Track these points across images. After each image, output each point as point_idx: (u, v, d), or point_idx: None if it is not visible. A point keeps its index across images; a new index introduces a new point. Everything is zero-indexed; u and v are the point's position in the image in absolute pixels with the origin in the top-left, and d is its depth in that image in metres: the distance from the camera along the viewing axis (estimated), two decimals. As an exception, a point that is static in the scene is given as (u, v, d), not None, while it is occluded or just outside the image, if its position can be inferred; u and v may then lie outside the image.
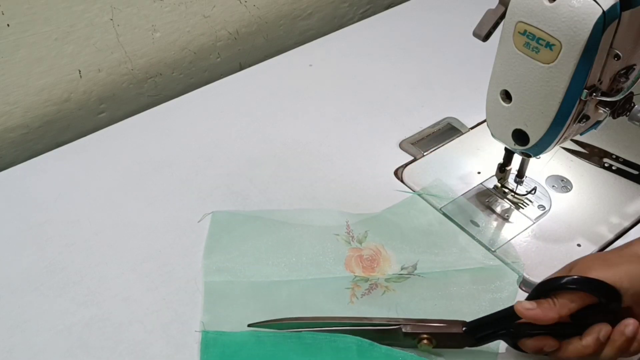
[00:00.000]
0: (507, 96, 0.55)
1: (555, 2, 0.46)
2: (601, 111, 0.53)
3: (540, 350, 0.50)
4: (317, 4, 0.98)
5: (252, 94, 0.83)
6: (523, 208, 0.65)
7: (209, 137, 0.76)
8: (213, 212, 0.65)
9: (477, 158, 0.72)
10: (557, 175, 0.69)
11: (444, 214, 0.65)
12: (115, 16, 0.77)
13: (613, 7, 0.45)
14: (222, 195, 0.68)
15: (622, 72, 0.51)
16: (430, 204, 0.66)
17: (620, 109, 0.53)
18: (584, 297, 0.47)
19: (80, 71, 0.79)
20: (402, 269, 0.60)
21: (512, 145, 0.58)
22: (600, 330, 0.47)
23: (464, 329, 0.52)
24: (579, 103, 0.51)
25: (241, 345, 0.54)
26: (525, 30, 0.49)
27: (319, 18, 1.00)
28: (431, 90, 0.82)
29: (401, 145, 0.74)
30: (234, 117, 0.79)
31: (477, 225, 0.64)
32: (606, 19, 0.45)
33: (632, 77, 0.51)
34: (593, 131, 0.57)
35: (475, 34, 0.54)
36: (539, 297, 0.49)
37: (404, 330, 0.52)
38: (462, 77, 0.84)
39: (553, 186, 0.68)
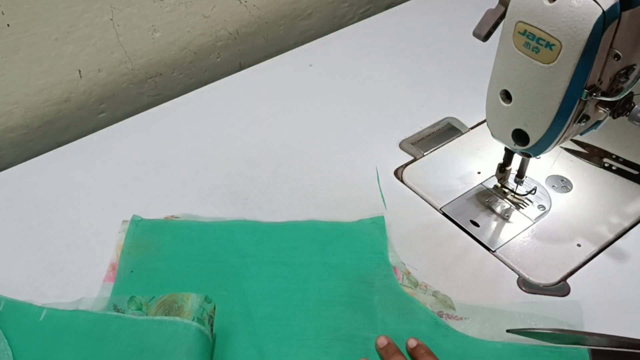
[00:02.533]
0: (507, 96, 0.55)
1: (555, 2, 0.46)
2: (601, 111, 0.53)
3: None
4: (317, 4, 0.98)
5: (252, 94, 0.83)
6: (523, 208, 0.65)
7: (209, 137, 0.76)
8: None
9: (477, 158, 0.72)
10: (557, 175, 0.69)
11: (444, 214, 0.65)
12: (115, 16, 0.77)
13: (613, 7, 0.45)
14: (222, 195, 0.68)
15: (622, 72, 0.51)
16: (430, 204, 0.66)
17: (620, 109, 0.53)
18: None
19: (80, 71, 0.79)
20: None
21: (512, 145, 0.58)
22: None
23: None
24: (579, 103, 0.51)
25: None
26: (525, 30, 0.49)
27: (319, 18, 1.00)
28: (431, 90, 0.82)
29: (401, 145, 0.74)
30: (234, 117, 0.79)
31: (477, 225, 0.64)
32: (606, 19, 0.45)
33: (632, 77, 0.51)
34: (593, 131, 0.57)
35: (475, 34, 0.54)
36: None
37: None
38: (462, 77, 0.84)
39: (553, 186, 0.68)
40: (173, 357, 0.49)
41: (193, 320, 0.51)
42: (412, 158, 0.72)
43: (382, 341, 0.54)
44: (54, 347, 0.53)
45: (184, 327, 0.51)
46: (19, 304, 0.57)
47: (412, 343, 0.54)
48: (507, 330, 0.54)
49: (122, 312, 0.55)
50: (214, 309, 0.53)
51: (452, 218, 0.65)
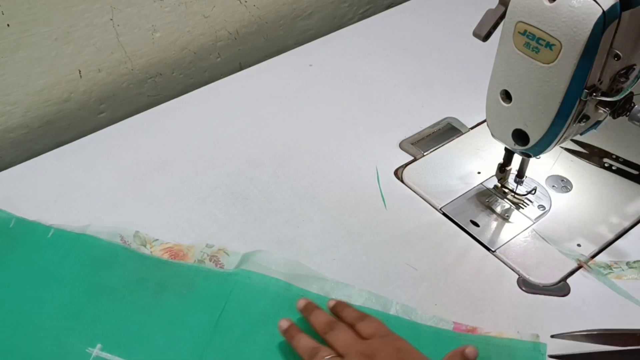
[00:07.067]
0: (507, 96, 0.55)
1: (555, 2, 0.46)
2: (601, 111, 0.53)
3: None
4: (317, 4, 0.98)
5: (252, 94, 0.83)
6: (523, 208, 0.65)
7: (209, 137, 0.76)
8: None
9: (477, 158, 0.72)
10: (557, 175, 0.69)
11: (444, 214, 0.65)
12: (115, 16, 0.77)
13: (613, 7, 0.45)
14: (222, 195, 0.68)
15: (622, 72, 0.51)
16: (430, 204, 0.66)
17: (620, 109, 0.53)
18: None
19: (80, 71, 0.79)
20: None
21: (512, 145, 0.58)
22: None
23: None
24: (579, 103, 0.51)
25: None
26: (525, 30, 0.49)
27: (319, 18, 1.00)
28: (431, 90, 0.82)
29: (401, 145, 0.74)
30: (234, 117, 0.79)
31: (477, 225, 0.64)
32: (606, 19, 0.45)
33: (632, 77, 0.51)
34: (593, 131, 0.57)
35: (475, 34, 0.54)
36: None
37: None
38: (462, 77, 0.84)
39: (553, 186, 0.68)
40: (175, 290, 0.57)
41: (194, 262, 0.60)
42: (412, 158, 0.72)
43: (301, 302, 0.55)
44: (62, 264, 0.60)
45: (187, 268, 0.59)
46: (28, 222, 0.64)
47: (331, 303, 0.55)
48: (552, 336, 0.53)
49: (128, 244, 0.62)
50: (219, 249, 0.61)
51: (452, 218, 0.65)
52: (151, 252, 0.61)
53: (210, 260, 0.60)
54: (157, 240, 0.62)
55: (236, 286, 0.57)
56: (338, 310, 0.54)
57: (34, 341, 0.54)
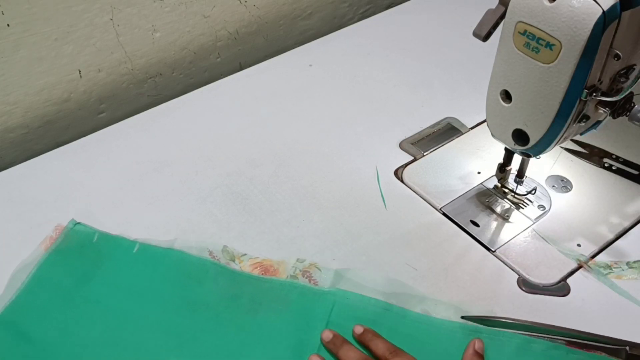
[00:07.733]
0: (507, 96, 0.55)
1: (555, 2, 0.46)
2: (601, 111, 0.53)
3: None
4: (317, 4, 0.98)
5: (252, 94, 0.83)
6: (523, 208, 0.65)
7: (209, 137, 0.76)
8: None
9: (477, 158, 0.72)
10: (557, 175, 0.69)
11: (444, 214, 0.65)
12: (115, 16, 0.77)
13: (613, 7, 0.45)
14: (222, 195, 0.68)
15: (622, 72, 0.51)
16: (430, 204, 0.66)
17: (620, 109, 0.53)
18: None
19: (80, 71, 0.79)
20: None
21: (512, 145, 0.58)
22: None
23: None
24: (579, 103, 0.51)
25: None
26: (525, 30, 0.49)
27: (319, 18, 1.00)
28: (431, 90, 0.82)
29: (401, 145, 0.74)
30: (234, 117, 0.79)
31: (477, 225, 0.64)
32: (606, 19, 0.45)
33: (632, 77, 0.51)
34: (593, 131, 0.57)
35: (475, 34, 0.54)
36: None
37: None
38: (462, 77, 0.84)
39: (553, 186, 0.68)
40: (270, 307, 0.56)
41: (287, 278, 0.59)
42: (412, 158, 0.72)
43: (327, 335, 0.53)
44: (151, 280, 0.59)
45: (280, 284, 0.58)
46: (111, 237, 0.63)
47: (359, 329, 0.53)
48: (462, 317, 0.55)
49: (217, 259, 0.60)
50: (311, 264, 0.60)
51: (452, 218, 0.65)
52: (240, 267, 0.60)
53: (303, 276, 0.59)
54: (245, 254, 0.61)
55: (335, 307, 0.56)
56: (366, 340, 0.53)
57: (129, 357, 0.53)
